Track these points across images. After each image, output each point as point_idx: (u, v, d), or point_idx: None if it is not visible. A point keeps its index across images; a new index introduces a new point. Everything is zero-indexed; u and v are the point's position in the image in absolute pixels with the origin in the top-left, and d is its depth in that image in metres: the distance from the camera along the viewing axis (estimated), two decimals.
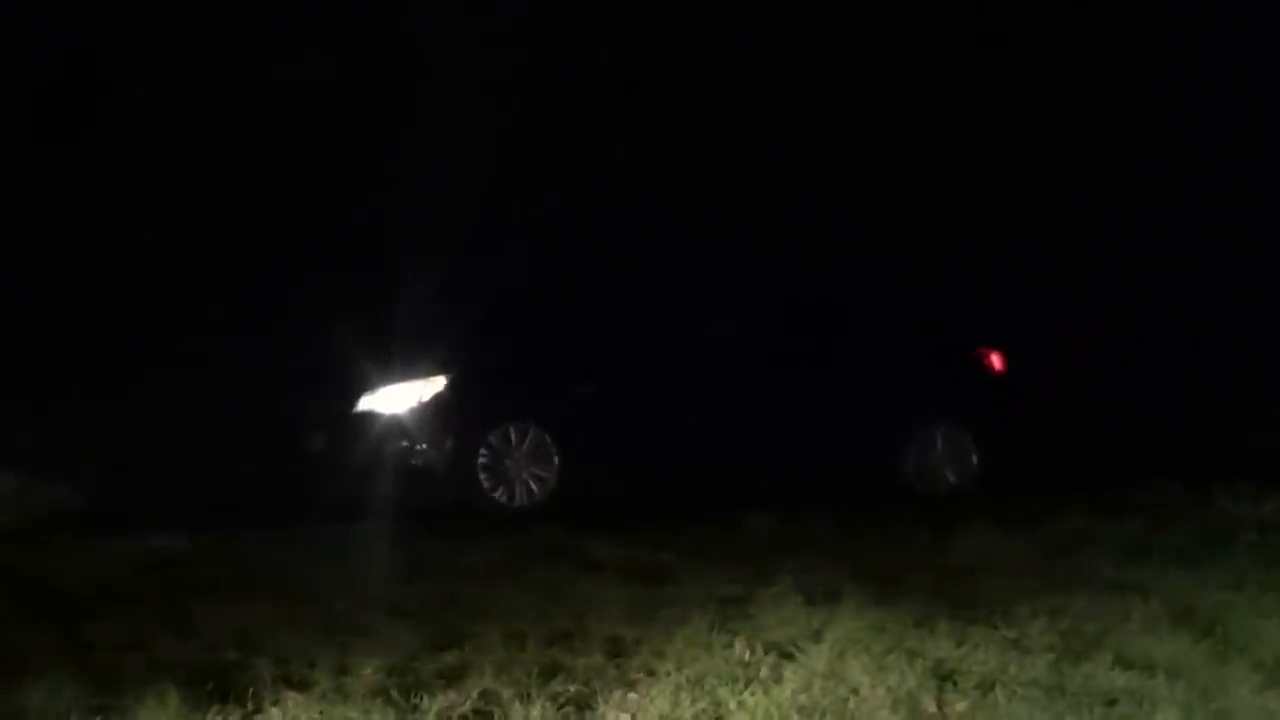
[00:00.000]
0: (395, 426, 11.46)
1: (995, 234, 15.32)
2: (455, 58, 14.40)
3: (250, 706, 6.41)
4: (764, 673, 6.84)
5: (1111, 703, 6.55)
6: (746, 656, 7.06)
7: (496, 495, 11.44)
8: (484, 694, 6.55)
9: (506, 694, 6.53)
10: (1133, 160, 15.85)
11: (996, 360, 12.86)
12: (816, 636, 7.39)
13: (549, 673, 6.88)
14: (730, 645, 7.26)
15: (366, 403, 11.57)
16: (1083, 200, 15.98)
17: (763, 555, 9.48)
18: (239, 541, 10.11)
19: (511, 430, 11.55)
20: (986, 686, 6.68)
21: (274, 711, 6.36)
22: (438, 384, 11.51)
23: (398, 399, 11.52)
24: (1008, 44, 15.69)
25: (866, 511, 10.95)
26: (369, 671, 6.89)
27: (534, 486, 11.54)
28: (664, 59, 15.16)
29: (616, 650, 7.27)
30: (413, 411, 11.45)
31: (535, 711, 6.31)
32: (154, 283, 13.85)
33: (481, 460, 11.45)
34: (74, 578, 8.96)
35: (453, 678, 6.84)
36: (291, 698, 6.54)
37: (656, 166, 14.62)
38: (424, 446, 11.43)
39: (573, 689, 6.63)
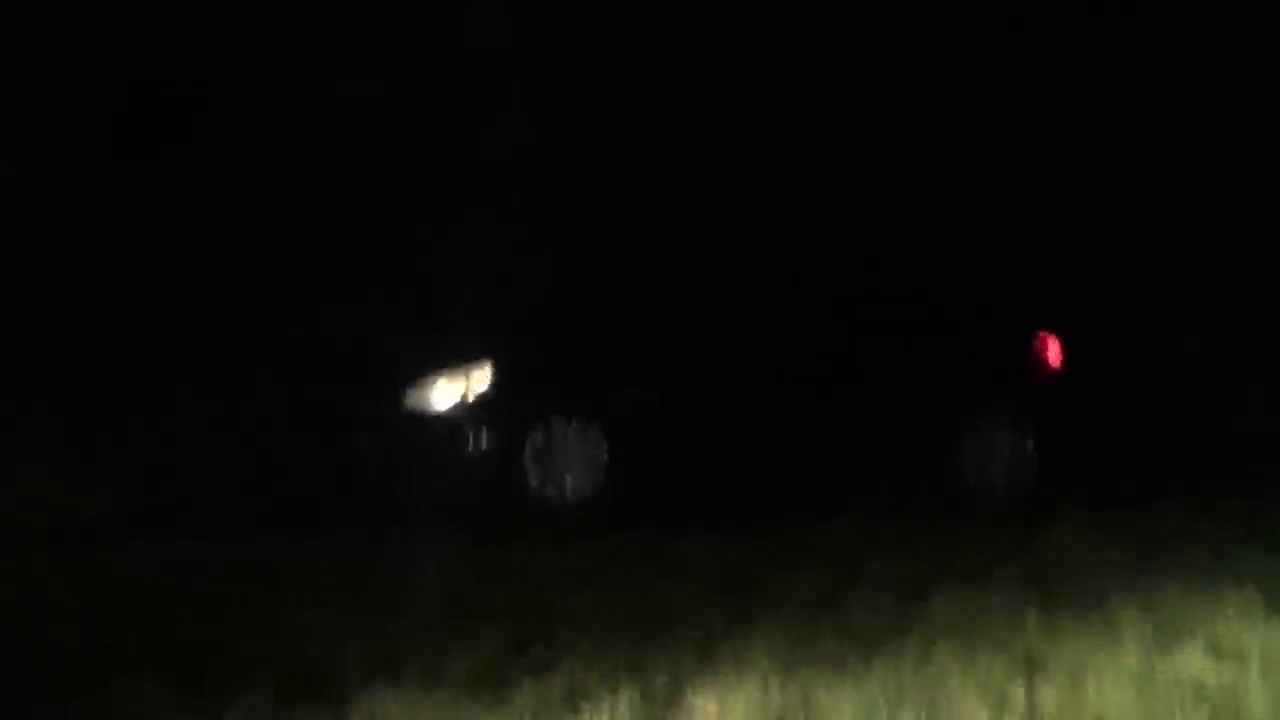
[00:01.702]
0: (441, 422, 11.42)
1: (1060, 224, 15.00)
2: (519, 45, 14.29)
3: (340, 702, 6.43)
4: (853, 663, 6.81)
5: (1203, 693, 6.45)
6: (835, 647, 7.03)
7: (543, 491, 11.39)
8: (572, 687, 6.56)
9: (594, 687, 6.54)
10: (1210, 148, 15.49)
11: (1055, 353, 12.66)
12: (905, 629, 7.36)
13: (636, 667, 6.88)
14: (819, 637, 7.23)
15: (413, 397, 11.55)
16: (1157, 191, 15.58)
17: (845, 555, 9.45)
18: (304, 541, 10.14)
19: (560, 426, 11.50)
20: (1077, 677, 6.61)
21: (364, 706, 6.36)
22: (485, 378, 11.46)
23: (444, 394, 11.47)
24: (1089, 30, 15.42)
25: (944, 511, 10.83)
26: (457, 667, 6.91)
27: (582, 483, 11.47)
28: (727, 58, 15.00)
29: (704, 646, 7.25)
30: (459, 407, 11.40)
31: (623, 703, 6.30)
32: (206, 272, 13.70)
33: (528, 456, 11.40)
34: (156, 576, 9.04)
35: (541, 673, 6.84)
36: (380, 693, 6.55)
37: (715, 164, 14.44)
38: (470, 442, 11.38)
39: (661, 679, 6.63)
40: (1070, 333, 12.72)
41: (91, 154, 13.58)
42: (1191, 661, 6.82)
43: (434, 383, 11.49)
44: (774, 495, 11.60)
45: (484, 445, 11.36)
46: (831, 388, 12.05)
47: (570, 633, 7.59)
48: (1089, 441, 12.49)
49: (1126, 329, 14.50)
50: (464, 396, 11.40)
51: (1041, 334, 12.59)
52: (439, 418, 11.42)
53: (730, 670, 6.74)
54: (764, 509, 11.17)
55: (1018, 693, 6.42)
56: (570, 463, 11.43)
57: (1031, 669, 6.70)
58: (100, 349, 12.95)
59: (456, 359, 11.60)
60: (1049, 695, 6.40)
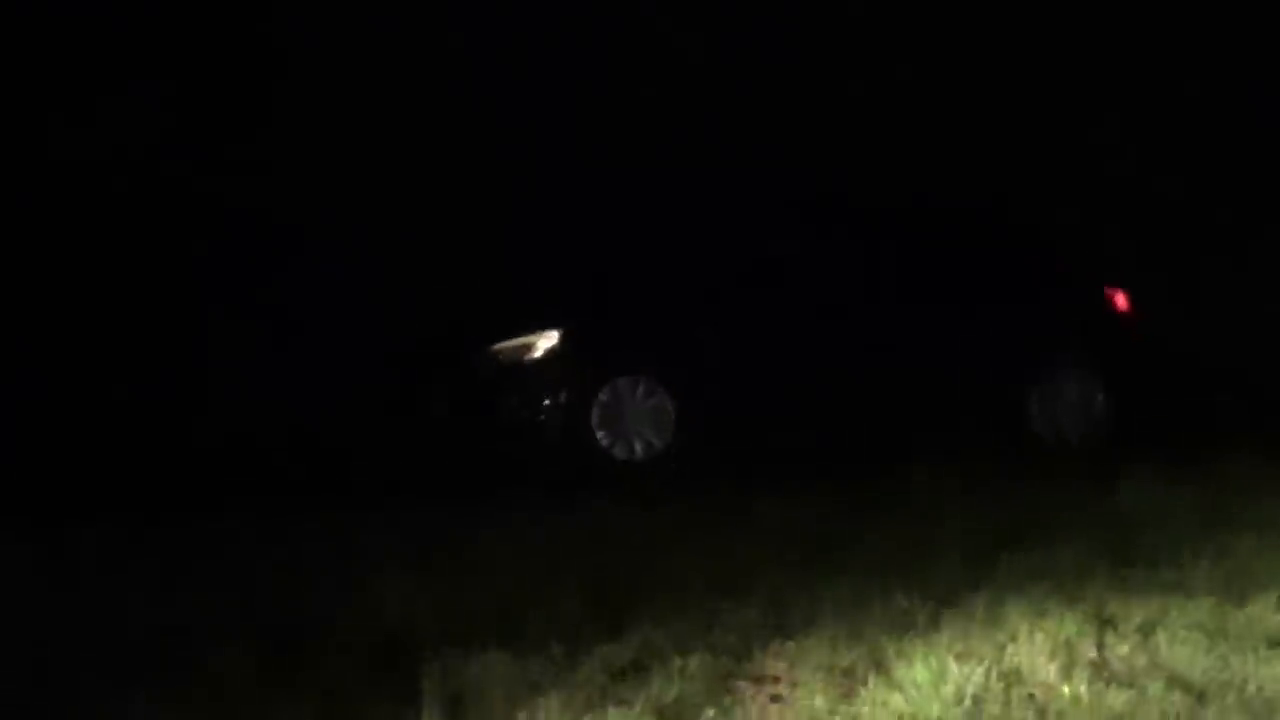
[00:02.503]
0: (508, 380, 11.44)
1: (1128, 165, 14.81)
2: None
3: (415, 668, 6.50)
4: (922, 621, 6.84)
5: (1277, 646, 6.44)
6: (905, 605, 7.06)
7: (611, 450, 11.39)
8: (643, 645, 6.61)
9: (665, 645, 6.59)
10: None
11: (1122, 300, 12.59)
12: (975, 584, 7.38)
13: (708, 625, 6.94)
14: (889, 594, 7.26)
15: (480, 355, 11.56)
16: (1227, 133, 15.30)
17: (917, 507, 9.49)
18: (376, 502, 10.22)
19: (627, 384, 11.49)
20: (1147, 630, 6.61)
21: (435, 668, 6.44)
22: (552, 337, 11.47)
23: (511, 352, 11.50)
24: None
25: (1015, 461, 10.80)
26: (530, 630, 6.97)
27: (650, 441, 11.47)
28: None
29: (776, 603, 7.29)
30: (526, 364, 11.42)
31: (693, 662, 6.35)
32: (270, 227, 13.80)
33: (596, 415, 11.39)
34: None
35: (613, 631, 6.90)
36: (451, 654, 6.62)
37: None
38: (537, 400, 11.39)
39: (731, 639, 6.68)
40: (1140, 284, 12.57)
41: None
42: (1265, 614, 6.79)
43: (505, 341, 11.50)
44: (846, 445, 11.57)
45: (554, 403, 11.37)
46: (902, 336, 12.01)
47: (646, 588, 7.68)
48: (1160, 391, 12.36)
49: (1199, 278, 14.23)
50: (533, 355, 11.41)
51: (1112, 287, 12.49)
52: (509, 376, 11.43)
53: (799, 630, 6.78)
54: (835, 459, 11.16)
55: (1088, 648, 6.43)
56: (638, 421, 11.42)
57: (1102, 624, 6.70)
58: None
59: (526, 317, 11.63)
60: (1119, 650, 6.41)
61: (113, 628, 7.39)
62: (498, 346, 11.56)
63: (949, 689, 5.99)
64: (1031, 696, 5.95)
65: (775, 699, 6.05)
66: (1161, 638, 6.52)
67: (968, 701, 5.90)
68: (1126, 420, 12.08)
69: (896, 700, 5.92)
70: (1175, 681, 6.07)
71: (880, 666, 6.29)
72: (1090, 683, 6.04)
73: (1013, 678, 6.12)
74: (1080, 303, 12.54)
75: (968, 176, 13.79)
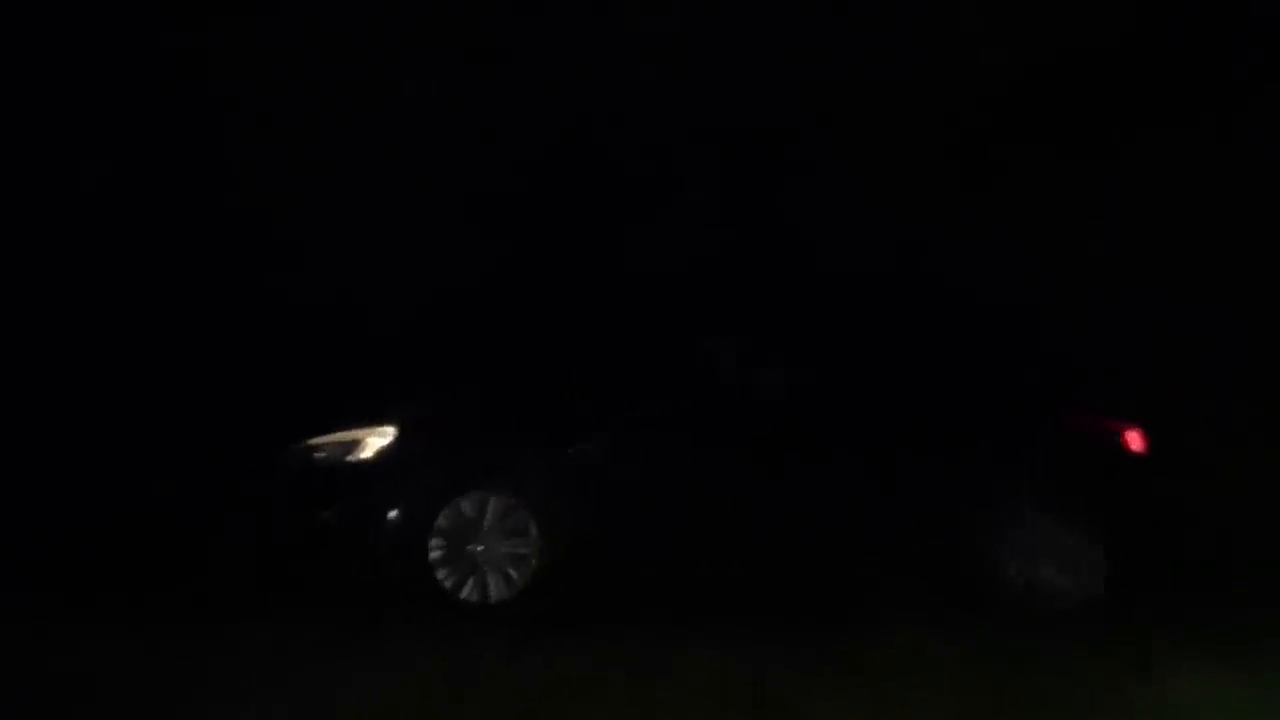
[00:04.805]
0: (329, 484, 9.23)
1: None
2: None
3: None
4: None
5: None
6: None
7: (451, 585, 9.13)
8: None
9: None
10: None
11: (1135, 439, 10.64)
12: None
13: None
14: None
15: (297, 452, 9.46)
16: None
17: (894, 683, 7.50)
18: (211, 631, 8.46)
19: (476, 500, 9.29)
20: None
21: None
22: (387, 433, 9.30)
23: (334, 449, 9.33)
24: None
25: (1012, 621, 9.15)
26: None
27: (509, 574, 9.24)
28: None
29: None
30: (351, 466, 9.27)
31: None
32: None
33: (435, 539, 9.20)
34: None
35: None
36: None
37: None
38: (363, 516, 9.10)
39: None
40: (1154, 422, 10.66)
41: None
42: None
43: (325, 435, 9.36)
44: (731, 585, 9.65)
45: (381, 515, 9.16)
46: (840, 452, 9.83)
47: None
48: (1180, 548, 10.39)
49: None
50: (360, 455, 9.24)
51: (1119, 423, 10.52)
52: (326, 481, 9.27)
53: None
54: (776, 604, 9.37)
55: None
56: (491, 549, 9.25)
57: None
58: None
59: (359, 409, 9.51)
60: None
61: None
62: (315, 441, 9.39)
63: None
64: None
65: None
66: None
67: None
68: (1134, 581, 10.02)
69: None
70: None
71: None
72: None
73: None
74: (1080, 439, 10.51)
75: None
